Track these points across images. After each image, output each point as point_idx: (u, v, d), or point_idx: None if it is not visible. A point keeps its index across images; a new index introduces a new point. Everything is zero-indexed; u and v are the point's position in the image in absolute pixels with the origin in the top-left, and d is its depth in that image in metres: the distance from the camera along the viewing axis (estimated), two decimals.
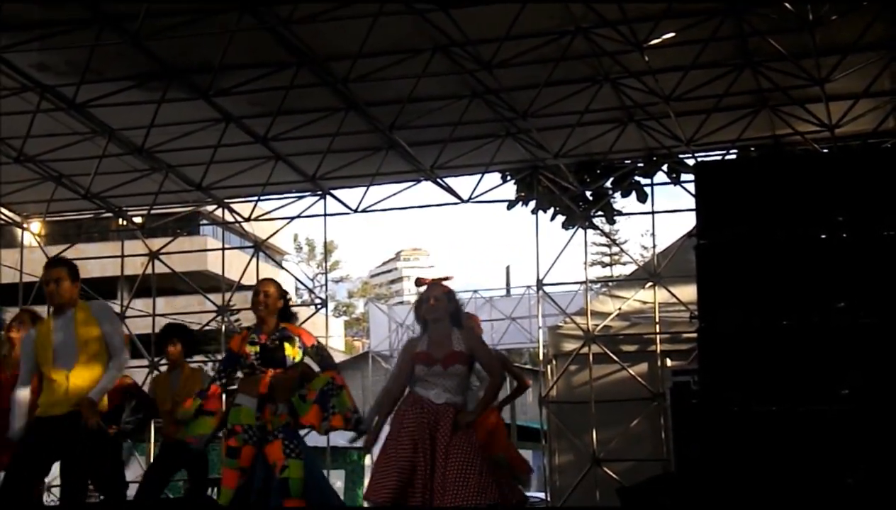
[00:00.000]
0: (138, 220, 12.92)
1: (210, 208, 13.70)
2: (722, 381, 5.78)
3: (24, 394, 6.08)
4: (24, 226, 12.83)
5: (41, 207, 12.15)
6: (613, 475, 10.51)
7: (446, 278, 6.39)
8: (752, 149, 11.19)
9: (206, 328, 13.87)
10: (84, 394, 5.88)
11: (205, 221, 25.02)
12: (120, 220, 13.16)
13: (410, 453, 5.93)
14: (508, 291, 24.50)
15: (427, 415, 6.00)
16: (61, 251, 11.95)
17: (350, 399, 6.50)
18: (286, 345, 6.52)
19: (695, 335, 9.93)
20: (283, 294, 6.66)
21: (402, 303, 42.06)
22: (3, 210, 12.08)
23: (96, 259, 15.87)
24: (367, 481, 6.24)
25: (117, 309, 12.72)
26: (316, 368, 6.72)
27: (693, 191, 11.26)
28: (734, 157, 11.06)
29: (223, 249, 14.12)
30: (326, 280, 15.30)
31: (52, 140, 10.26)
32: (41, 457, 5.91)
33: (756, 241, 5.87)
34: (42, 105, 9.40)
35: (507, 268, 27.16)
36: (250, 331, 6.63)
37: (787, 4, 8.28)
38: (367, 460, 23.95)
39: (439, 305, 6.17)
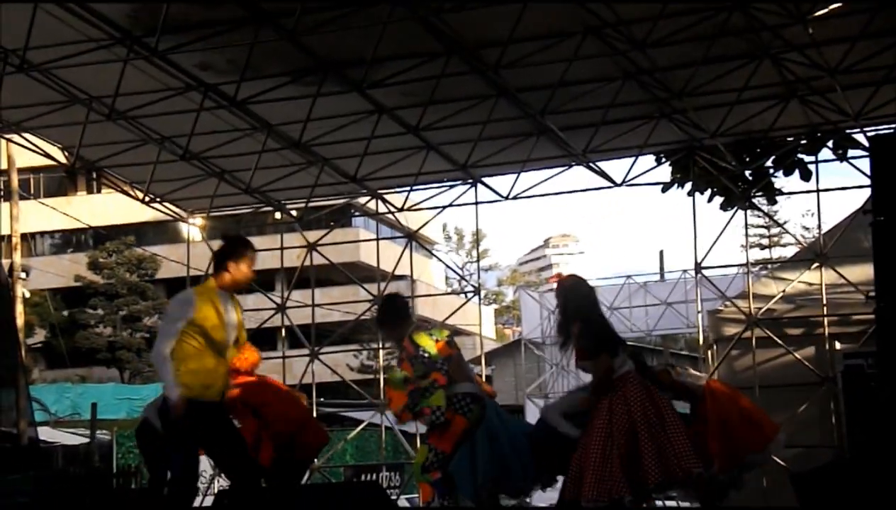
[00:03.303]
0: (294, 213, 13.23)
1: (363, 200, 13.91)
2: None
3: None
4: (189, 221, 13.28)
5: (204, 203, 12.56)
6: (781, 462, 10.18)
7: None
8: None
9: (363, 318, 14.13)
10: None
11: (356, 213, 25.50)
12: (277, 214, 13.50)
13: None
14: (662, 276, 24.06)
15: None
16: None
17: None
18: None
19: (866, 317, 9.61)
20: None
21: (552, 290, 41.84)
22: (170, 206, 12.54)
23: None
24: None
25: (277, 300, 13.09)
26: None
27: (861, 167, 10.88)
28: None
29: (377, 240, 14.34)
30: (479, 268, 15.32)
31: (214, 137, 10.61)
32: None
33: None
34: (205, 103, 9.73)
35: (661, 252, 26.63)
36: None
37: None
38: None
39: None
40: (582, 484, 6.20)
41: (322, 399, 19.17)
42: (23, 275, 21.24)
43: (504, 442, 7.22)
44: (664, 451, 6.14)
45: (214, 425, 5.79)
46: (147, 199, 12.03)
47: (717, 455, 6.90)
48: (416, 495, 14.14)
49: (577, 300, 6.60)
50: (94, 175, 12.77)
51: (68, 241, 42.39)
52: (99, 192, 38.49)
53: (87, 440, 19.43)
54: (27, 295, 23.07)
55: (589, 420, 6.45)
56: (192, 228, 13.54)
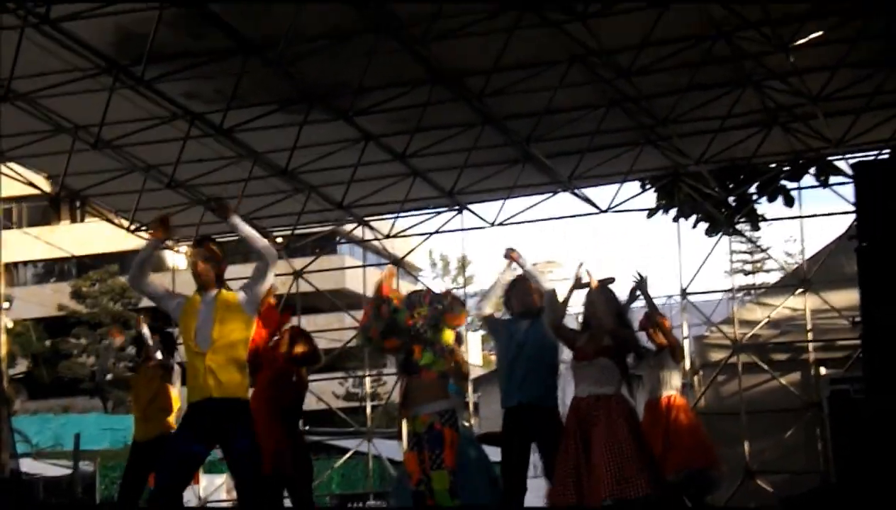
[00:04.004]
0: (280, 240, 13.21)
1: (349, 227, 13.92)
2: (888, 387, 5.54)
3: None
4: (175, 250, 13.24)
5: (190, 231, 12.50)
6: (767, 488, 10.21)
7: (610, 280, 6.79)
8: None
9: (349, 345, 14.10)
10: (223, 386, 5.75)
11: (342, 240, 25.44)
12: None
13: (572, 455, 6.17)
14: None
15: (575, 412, 6.27)
16: None
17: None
18: (415, 348, 6.52)
19: (851, 342, 9.68)
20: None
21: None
22: None
23: (241, 280, 16.23)
24: None
25: None
26: None
27: (843, 194, 10.99)
28: (888, 156, 10.64)
29: (364, 266, 14.34)
30: (465, 294, 15.30)
31: (200, 165, 10.60)
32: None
33: None
34: (191, 132, 9.73)
35: (645, 278, 26.57)
36: None
37: None
38: None
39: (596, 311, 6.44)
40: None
41: (308, 427, 19.10)
42: (5, 304, 21.11)
43: (474, 470, 7.17)
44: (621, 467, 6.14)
45: (201, 423, 5.75)
46: (132, 227, 12.00)
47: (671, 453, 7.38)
48: None
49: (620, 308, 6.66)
50: (78, 204, 12.75)
51: (51, 270, 42.09)
52: (82, 220, 38.28)
53: (69, 471, 19.26)
54: (10, 325, 22.95)
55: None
56: (177, 257, 13.49)
